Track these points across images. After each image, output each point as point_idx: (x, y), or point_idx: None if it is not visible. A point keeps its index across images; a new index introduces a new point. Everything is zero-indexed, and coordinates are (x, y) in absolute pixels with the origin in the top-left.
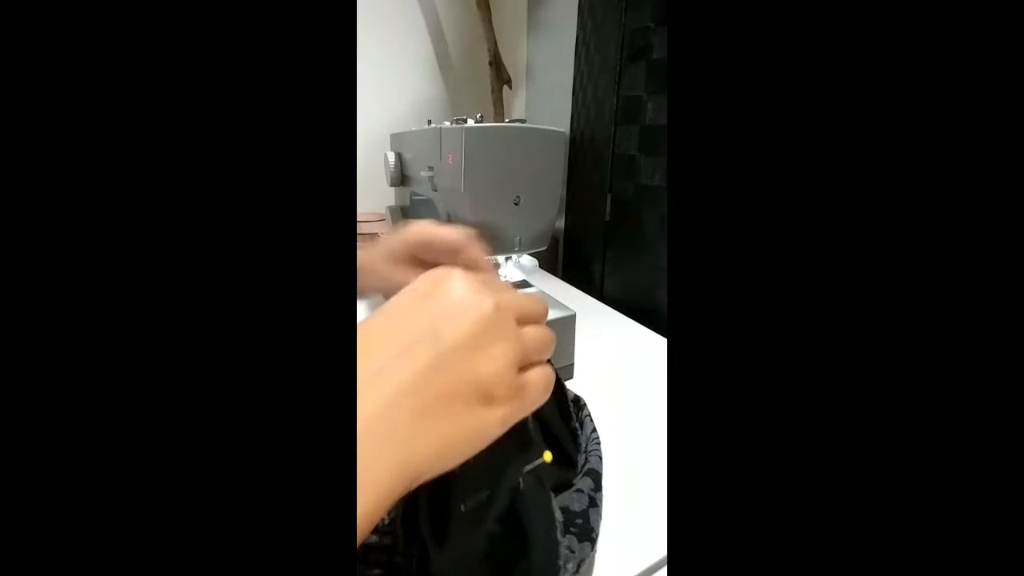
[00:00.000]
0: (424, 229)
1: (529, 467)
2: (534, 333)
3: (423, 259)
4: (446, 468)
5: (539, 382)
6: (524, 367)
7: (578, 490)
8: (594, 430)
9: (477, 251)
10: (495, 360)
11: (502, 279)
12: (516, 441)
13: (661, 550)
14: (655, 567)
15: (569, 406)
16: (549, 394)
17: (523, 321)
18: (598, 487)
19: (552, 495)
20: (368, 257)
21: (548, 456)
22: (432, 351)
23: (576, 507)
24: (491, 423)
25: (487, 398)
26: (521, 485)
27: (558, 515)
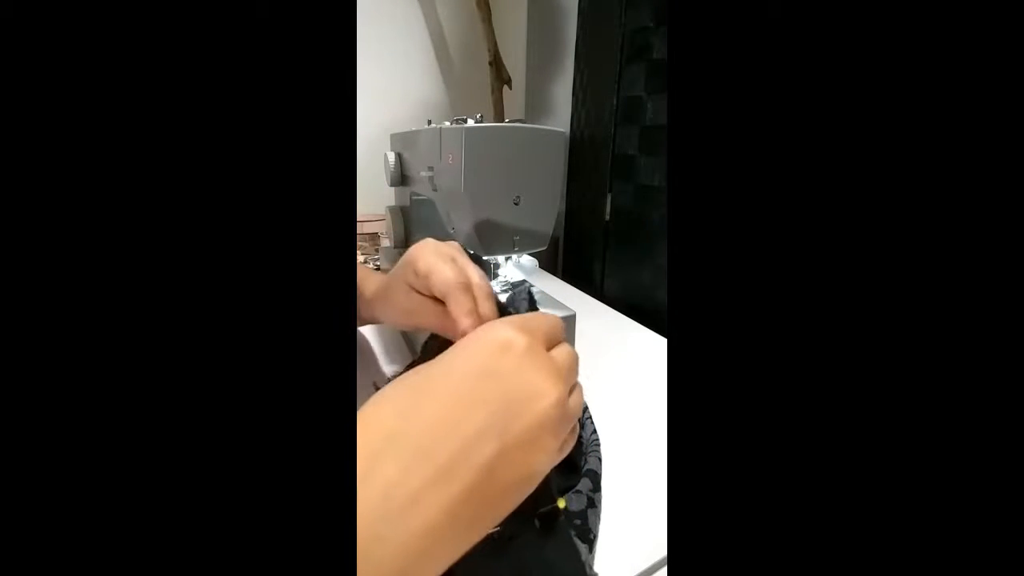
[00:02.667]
0: (421, 265)
1: (543, 510)
2: (576, 398)
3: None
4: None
5: (572, 442)
6: None
7: (576, 491)
8: (594, 431)
9: (462, 305)
10: (552, 454)
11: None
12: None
13: (661, 550)
14: (655, 567)
15: None
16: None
17: (572, 382)
18: (597, 488)
19: (572, 533)
20: (381, 287)
21: (563, 503)
22: (497, 446)
23: (574, 507)
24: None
25: (532, 482)
26: (537, 524)
27: (581, 549)
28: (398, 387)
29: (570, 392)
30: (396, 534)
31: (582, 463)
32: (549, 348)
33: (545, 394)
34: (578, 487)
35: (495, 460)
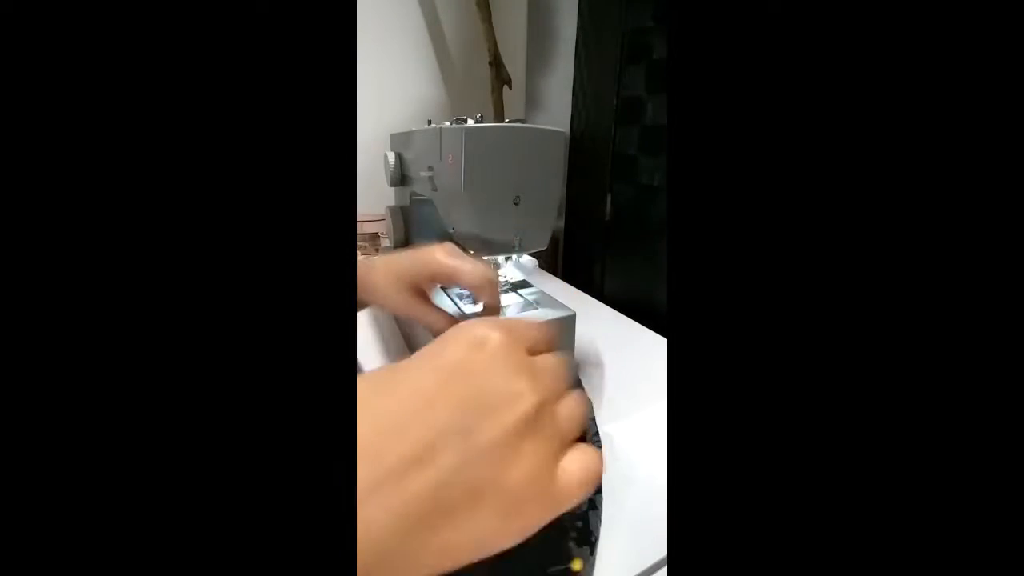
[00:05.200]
0: (443, 265)
1: (554, 570)
2: (569, 408)
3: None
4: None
5: (578, 484)
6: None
7: None
8: (596, 432)
9: (496, 296)
10: (530, 465)
11: (525, 317)
12: (541, 539)
13: (661, 550)
14: (655, 567)
15: None
16: (589, 493)
17: (557, 389)
18: (598, 490)
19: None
20: (371, 276)
21: (578, 564)
22: (460, 452)
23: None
24: (511, 535)
25: (513, 509)
26: None
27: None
28: (360, 382)
29: (559, 401)
30: None
31: None
32: (532, 354)
33: (519, 396)
34: None
35: (458, 464)
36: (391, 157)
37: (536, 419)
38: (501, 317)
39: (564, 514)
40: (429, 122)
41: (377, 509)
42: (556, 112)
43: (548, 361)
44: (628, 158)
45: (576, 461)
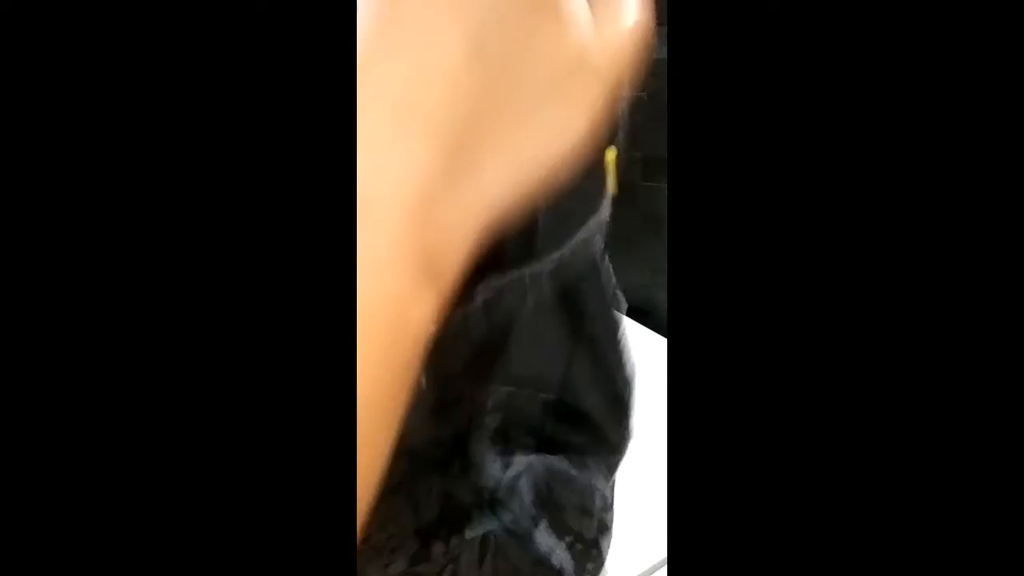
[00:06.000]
0: None
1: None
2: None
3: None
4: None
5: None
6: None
7: None
8: None
9: None
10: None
11: None
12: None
13: (661, 550)
14: (655, 567)
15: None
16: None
17: None
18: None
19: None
20: None
21: (611, 154)
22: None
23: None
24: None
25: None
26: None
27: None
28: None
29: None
30: None
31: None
32: None
33: None
34: None
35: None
36: None
37: None
38: None
39: None
40: None
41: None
42: None
43: None
44: (628, 158)
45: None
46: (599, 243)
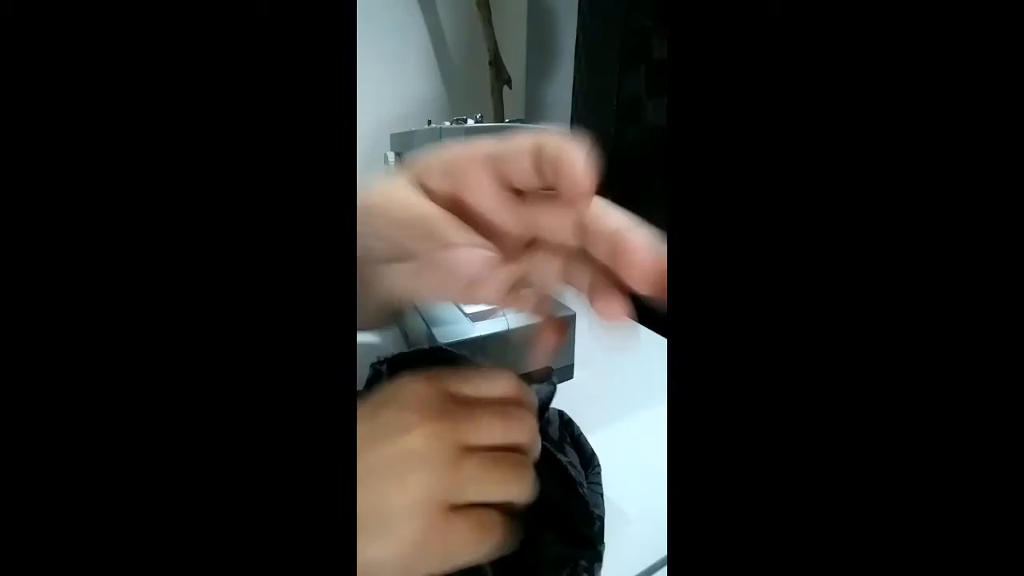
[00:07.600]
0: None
1: None
2: (476, 468)
3: None
4: None
5: (469, 536)
6: (457, 508)
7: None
8: (593, 454)
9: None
10: (414, 496)
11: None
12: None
13: (661, 550)
14: (655, 567)
15: (567, 470)
16: (481, 553)
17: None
18: (599, 539)
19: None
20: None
21: None
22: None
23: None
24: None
25: (393, 533)
26: None
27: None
28: None
29: (469, 455)
30: None
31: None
32: (462, 402)
33: (407, 428)
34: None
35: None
36: (391, 157)
37: (426, 455)
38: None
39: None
40: (429, 122)
41: None
42: (556, 112)
43: (475, 411)
44: (628, 159)
45: (469, 523)
46: None
